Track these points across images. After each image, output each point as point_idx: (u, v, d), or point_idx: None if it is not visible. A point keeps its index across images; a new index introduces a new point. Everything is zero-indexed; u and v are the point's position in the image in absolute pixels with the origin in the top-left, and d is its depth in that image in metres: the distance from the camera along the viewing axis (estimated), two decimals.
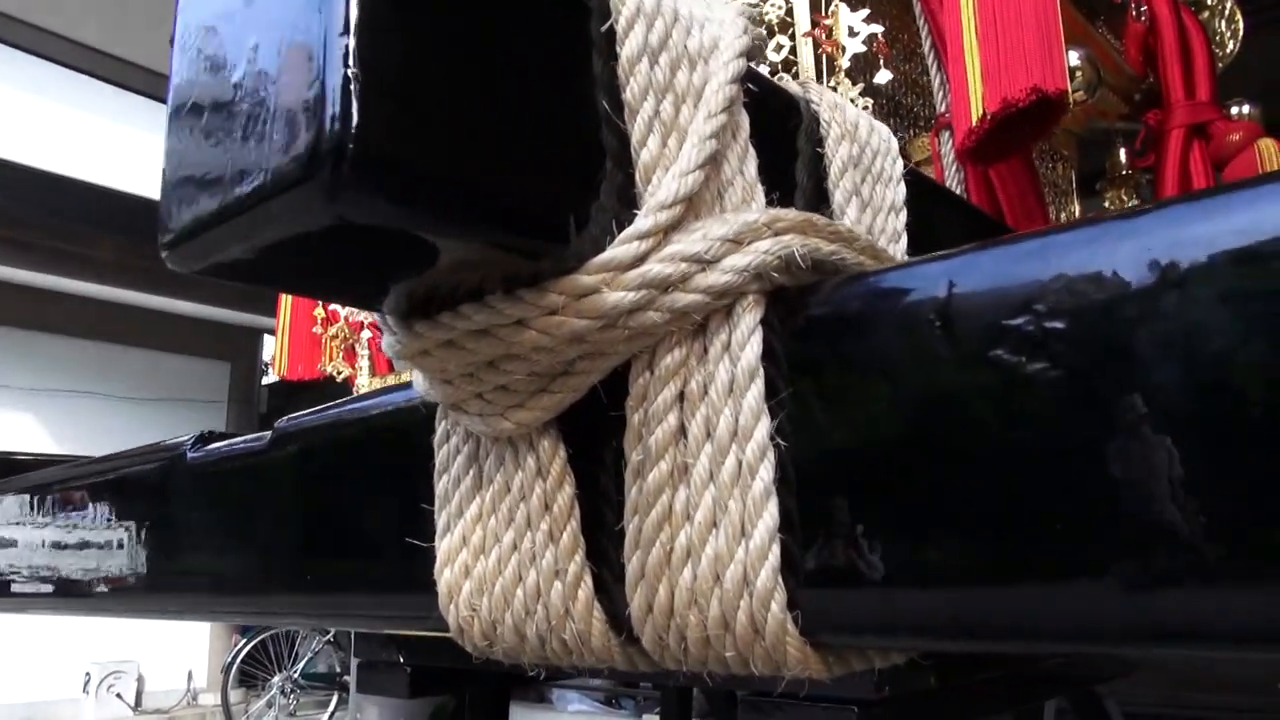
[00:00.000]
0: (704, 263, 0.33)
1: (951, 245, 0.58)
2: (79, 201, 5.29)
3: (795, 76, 1.31)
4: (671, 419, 0.34)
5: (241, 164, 0.29)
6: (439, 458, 0.41)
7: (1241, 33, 2.04)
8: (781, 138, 0.44)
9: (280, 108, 0.28)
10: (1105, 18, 1.78)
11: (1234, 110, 1.89)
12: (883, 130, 0.48)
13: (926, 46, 1.16)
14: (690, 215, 0.34)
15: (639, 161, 0.34)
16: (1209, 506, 0.24)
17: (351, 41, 0.27)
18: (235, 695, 5.87)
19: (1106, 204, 2.02)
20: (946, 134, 1.14)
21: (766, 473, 0.32)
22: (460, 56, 0.30)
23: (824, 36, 1.17)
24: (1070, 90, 1.03)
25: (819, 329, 0.33)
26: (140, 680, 6.26)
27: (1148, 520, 0.25)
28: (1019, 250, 0.29)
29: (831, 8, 1.18)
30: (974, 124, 0.99)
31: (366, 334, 1.85)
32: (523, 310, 0.33)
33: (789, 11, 1.32)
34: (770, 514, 0.31)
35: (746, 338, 0.33)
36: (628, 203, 0.34)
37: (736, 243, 0.33)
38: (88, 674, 5.95)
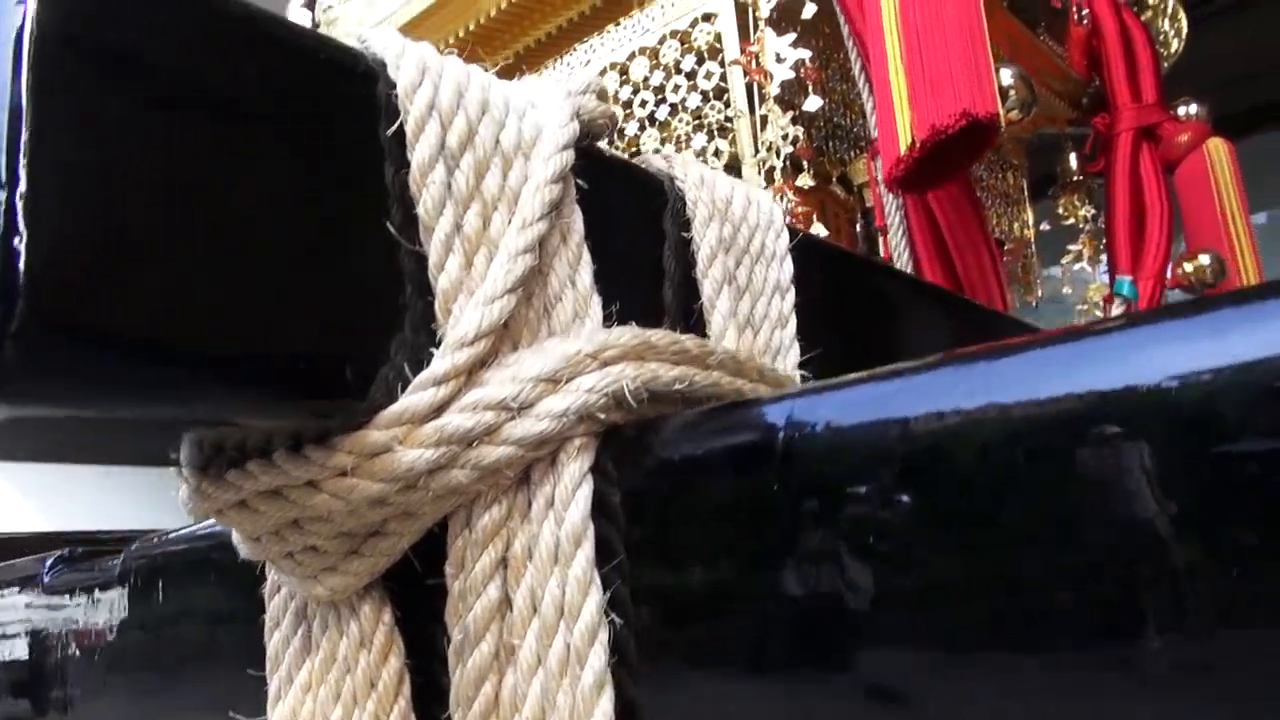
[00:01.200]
0: (514, 410, 0.27)
1: (858, 314, 0.53)
2: None
3: (727, 105, 1.27)
4: (492, 590, 0.28)
5: None
6: (269, 610, 0.36)
7: (1185, 31, 2.02)
8: (645, 221, 0.39)
9: None
10: (1046, 24, 1.75)
11: (1181, 110, 1.87)
12: (763, 202, 0.43)
13: (857, 69, 1.12)
14: (506, 345, 0.29)
15: (437, 288, 0.29)
16: None
17: (22, 165, 0.21)
18: None
19: (1060, 210, 2.00)
20: (878, 162, 1.09)
21: (598, 659, 0.26)
22: (190, 181, 0.24)
23: (751, 64, 1.12)
24: (1003, 111, 0.99)
25: (658, 476, 0.28)
26: None
27: None
28: (862, 394, 0.24)
29: (758, 33, 1.13)
30: (903, 153, 0.95)
31: None
32: (310, 471, 0.28)
33: (718, 37, 1.28)
34: (603, 712, 0.26)
35: (571, 493, 0.28)
36: (432, 338, 0.29)
37: (554, 382, 0.28)
38: None
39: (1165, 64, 2.02)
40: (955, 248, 1.08)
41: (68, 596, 0.52)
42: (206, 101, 0.25)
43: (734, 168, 1.29)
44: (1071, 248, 1.94)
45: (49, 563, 0.57)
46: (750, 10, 1.14)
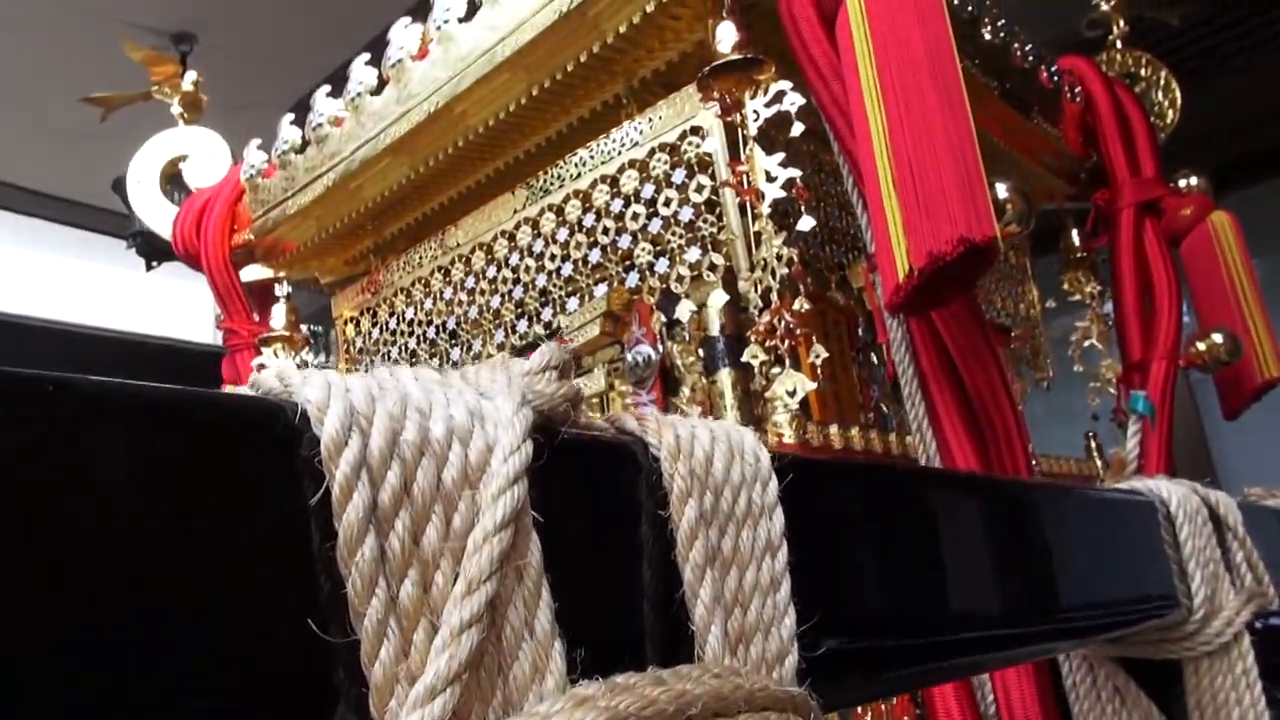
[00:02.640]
0: None
1: (862, 536, 0.49)
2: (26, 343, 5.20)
3: (719, 218, 1.25)
4: None
5: None
6: None
7: (1179, 101, 2.01)
8: (618, 493, 0.36)
9: None
10: (1039, 107, 1.74)
11: (1182, 183, 1.85)
12: (747, 449, 0.40)
13: (849, 184, 1.10)
14: None
15: (371, 680, 0.25)
16: None
17: None
18: None
19: (1065, 286, 1.97)
20: (877, 276, 1.06)
21: None
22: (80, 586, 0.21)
23: (741, 183, 1.10)
24: (1001, 227, 0.96)
25: None
26: None
27: None
28: None
29: (747, 151, 1.11)
30: (901, 280, 0.92)
31: None
32: None
33: (705, 150, 1.27)
34: None
35: None
36: None
37: None
38: None
39: (1162, 134, 2.01)
40: (963, 366, 1.05)
41: None
42: (91, 496, 0.22)
43: (730, 281, 1.26)
44: (1079, 324, 1.90)
45: None
46: (739, 128, 1.13)
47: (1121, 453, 0.96)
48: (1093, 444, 1.80)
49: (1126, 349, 1.69)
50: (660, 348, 1.45)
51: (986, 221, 0.90)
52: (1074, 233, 1.94)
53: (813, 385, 1.04)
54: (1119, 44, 2.04)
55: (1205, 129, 2.46)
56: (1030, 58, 1.67)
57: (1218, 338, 1.59)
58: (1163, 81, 2.03)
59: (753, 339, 1.08)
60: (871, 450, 1.15)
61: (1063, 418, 1.98)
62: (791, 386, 1.03)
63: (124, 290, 5.77)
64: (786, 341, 1.05)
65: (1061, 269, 1.95)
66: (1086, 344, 1.87)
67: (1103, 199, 1.83)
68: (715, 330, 1.37)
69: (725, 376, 1.48)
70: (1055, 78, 1.76)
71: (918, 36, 0.95)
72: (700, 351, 1.51)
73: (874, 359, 1.53)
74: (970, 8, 1.52)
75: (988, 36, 1.55)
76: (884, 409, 1.56)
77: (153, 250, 3.62)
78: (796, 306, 1.03)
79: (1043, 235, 2.04)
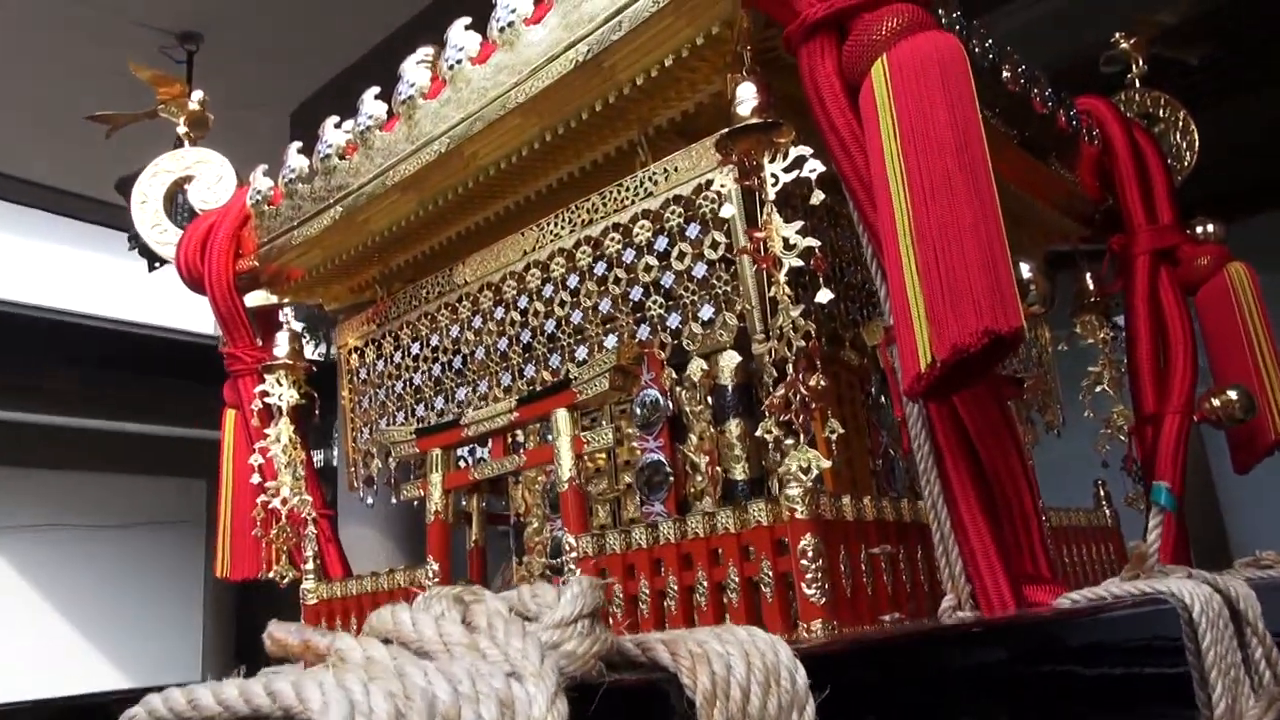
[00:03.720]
0: None
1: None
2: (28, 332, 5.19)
3: (733, 276, 1.22)
4: None
5: None
6: None
7: (1197, 144, 1.99)
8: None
9: None
10: (1056, 151, 1.71)
11: (1199, 229, 1.83)
12: (783, 667, 0.38)
13: (869, 253, 1.07)
14: None
15: None
16: None
17: None
18: None
19: (1078, 329, 1.95)
20: (895, 350, 1.04)
21: None
22: None
23: (759, 250, 1.08)
24: (1024, 310, 0.94)
25: None
26: None
27: None
28: None
29: (764, 217, 1.09)
30: (922, 370, 0.90)
31: (312, 530, 1.74)
32: None
33: (722, 207, 1.24)
34: None
35: None
36: None
37: None
38: None
39: (1179, 177, 1.98)
40: (981, 446, 1.03)
41: None
42: None
43: (744, 344, 1.24)
44: (1091, 369, 1.88)
45: None
46: (756, 191, 1.10)
47: (1143, 546, 0.94)
48: (1101, 492, 1.78)
49: (1139, 400, 1.67)
50: (669, 397, 1.43)
51: (1014, 312, 0.88)
52: (1088, 276, 1.91)
53: (828, 464, 1.02)
54: (1137, 84, 2.01)
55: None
56: (1049, 103, 1.64)
57: (1233, 394, 1.57)
58: (1181, 123, 2.01)
59: (767, 413, 1.06)
60: (884, 521, 1.13)
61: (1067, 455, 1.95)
62: (806, 463, 1.01)
63: (126, 281, 5.74)
64: (801, 416, 1.02)
65: (1075, 311, 1.93)
66: (1099, 388, 1.85)
67: (1118, 244, 1.80)
68: (726, 380, 1.36)
69: (734, 427, 1.46)
70: (1074, 121, 1.74)
71: (945, 119, 0.93)
72: (709, 399, 1.49)
73: (883, 400, 1.51)
74: (991, 56, 1.49)
75: (1008, 84, 1.52)
76: (893, 454, 1.54)
77: (155, 252, 3.60)
78: (813, 383, 1.01)
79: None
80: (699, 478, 1.50)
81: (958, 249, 0.90)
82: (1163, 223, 1.79)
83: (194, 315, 5.92)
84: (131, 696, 0.33)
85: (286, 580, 1.77)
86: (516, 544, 1.78)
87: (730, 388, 1.37)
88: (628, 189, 1.36)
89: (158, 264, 3.91)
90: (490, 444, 1.47)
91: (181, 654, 6.90)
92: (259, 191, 1.76)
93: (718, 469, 1.48)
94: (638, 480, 1.56)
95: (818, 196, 1.07)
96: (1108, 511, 1.74)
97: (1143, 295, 1.75)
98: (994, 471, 1.03)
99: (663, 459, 1.53)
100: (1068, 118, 1.71)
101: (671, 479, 1.51)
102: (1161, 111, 2.02)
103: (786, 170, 1.09)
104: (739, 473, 1.44)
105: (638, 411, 1.54)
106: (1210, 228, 1.83)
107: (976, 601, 1.04)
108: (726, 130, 1.12)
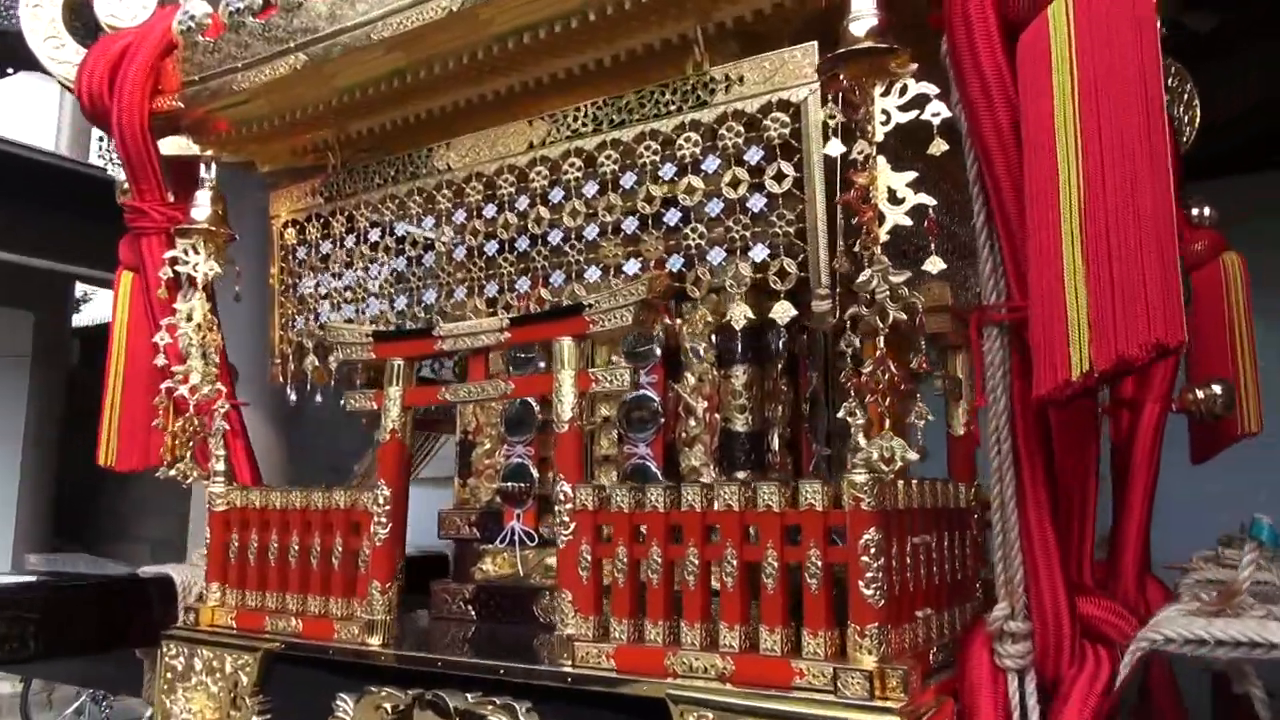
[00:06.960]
0: None
1: None
2: None
3: (799, 217, 1.06)
4: None
5: None
6: None
7: (1199, 119, 1.93)
8: None
9: None
10: None
11: (1194, 211, 1.78)
12: None
13: (980, 220, 0.94)
14: None
15: None
16: None
17: None
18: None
19: None
20: (996, 331, 0.92)
21: None
22: None
23: (860, 200, 0.92)
24: None
25: None
26: None
27: None
28: None
29: (869, 160, 0.93)
30: (1075, 378, 0.78)
31: (223, 425, 1.50)
32: None
33: (794, 133, 1.07)
34: None
35: None
36: None
37: None
38: None
39: (1181, 152, 1.93)
40: (1060, 445, 0.93)
41: None
42: None
43: (796, 292, 1.09)
44: None
45: None
46: (858, 133, 0.94)
47: (1235, 584, 0.89)
48: None
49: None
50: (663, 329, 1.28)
51: (1180, 323, 0.77)
52: None
53: (915, 456, 0.90)
54: None
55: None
56: None
57: (1217, 389, 1.55)
58: (1186, 96, 1.94)
59: (852, 391, 0.92)
60: (940, 505, 1.03)
61: None
62: (890, 452, 0.88)
63: None
64: (888, 399, 0.90)
65: None
66: None
67: None
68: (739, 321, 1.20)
69: (740, 373, 1.32)
70: None
71: (1135, 79, 0.79)
72: (714, 338, 1.35)
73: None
74: None
75: None
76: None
77: (14, 54, 3.06)
78: (913, 364, 0.87)
79: None
80: (692, 422, 1.36)
81: (1134, 241, 0.77)
82: None
83: (37, 129, 5.23)
84: None
85: (191, 481, 1.54)
86: (461, 463, 1.61)
87: (740, 330, 1.23)
88: (675, 92, 1.16)
89: (11, 70, 3.34)
90: (468, 363, 1.27)
91: None
92: (191, 16, 1.45)
93: (716, 416, 1.34)
94: (619, 414, 1.41)
95: (939, 146, 0.92)
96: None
97: None
98: (1065, 478, 0.94)
99: (653, 395, 1.38)
100: None
101: (661, 419, 1.37)
102: (1170, 81, 1.95)
103: (903, 109, 0.93)
104: (740, 424, 1.32)
105: (630, 350, 1.38)
106: (1206, 210, 1.79)
107: (1029, 612, 0.97)
108: (835, 53, 0.94)
